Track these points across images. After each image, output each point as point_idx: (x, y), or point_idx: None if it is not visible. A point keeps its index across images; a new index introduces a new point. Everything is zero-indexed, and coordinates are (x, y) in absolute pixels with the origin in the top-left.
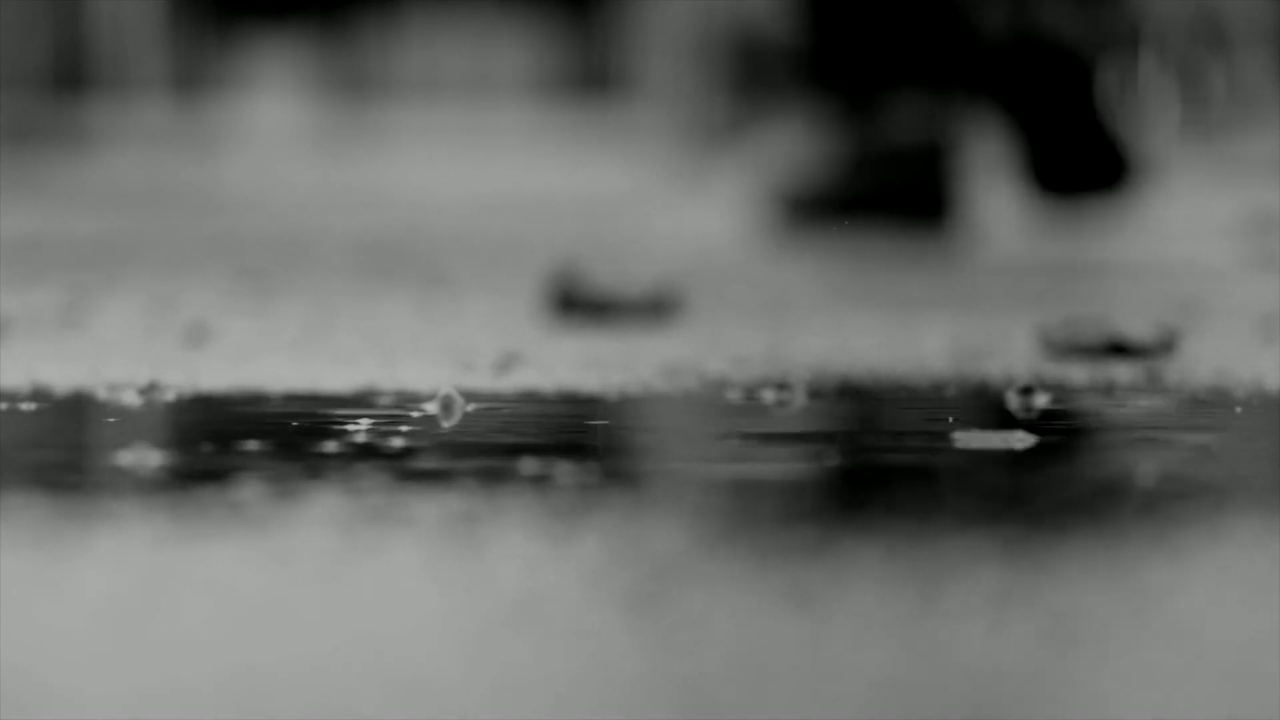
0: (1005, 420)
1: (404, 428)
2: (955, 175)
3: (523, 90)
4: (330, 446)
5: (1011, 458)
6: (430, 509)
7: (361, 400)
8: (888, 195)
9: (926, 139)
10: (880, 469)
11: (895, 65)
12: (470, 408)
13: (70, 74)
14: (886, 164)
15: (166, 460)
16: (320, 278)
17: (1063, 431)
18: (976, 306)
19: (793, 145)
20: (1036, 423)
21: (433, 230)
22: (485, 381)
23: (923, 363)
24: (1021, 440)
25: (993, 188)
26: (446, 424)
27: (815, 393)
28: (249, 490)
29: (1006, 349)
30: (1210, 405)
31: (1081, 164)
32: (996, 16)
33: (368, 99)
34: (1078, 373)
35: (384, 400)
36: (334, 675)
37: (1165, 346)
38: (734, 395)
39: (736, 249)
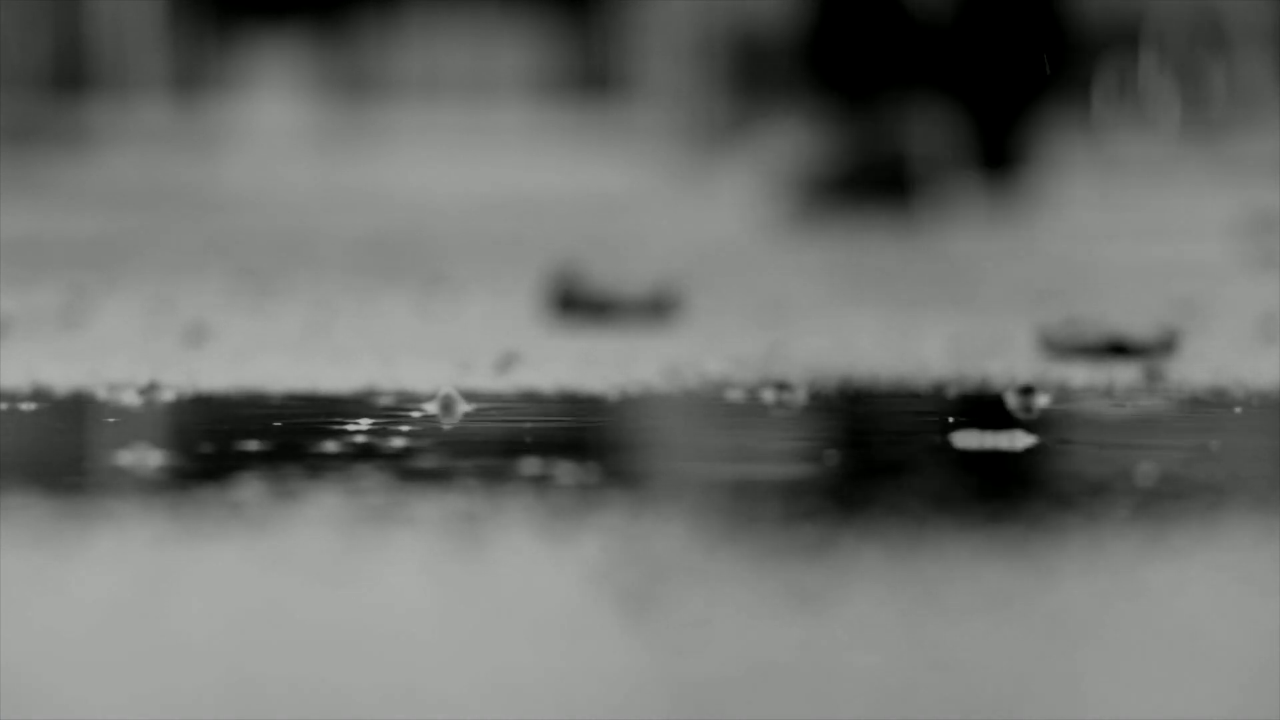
0: (1005, 420)
1: (404, 428)
2: (934, 166)
3: (523, 90)
4: (330, 446)
5: (1011, 458)
6: (430, 509)
7: (361, 400)
8: (879, 184)
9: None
10: (880, 469)
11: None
12: (470, 408)
13: (70, 74)
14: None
15: (166, 460)
16: (320, 278)
17: (1063, 431)
18: (976, 306)
19: (794, 140)
20: (1036, 423)
21: (433, 230)
22: (485, 381)
23: (923, 363)
24: (1021, 440)
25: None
26: (446, 424)
27: (815, 393)
28: (249, 490)
29: (1006, 349)
30: (1210, 405)
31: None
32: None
33: (368, 99)
34: (1078, 373)
35: (384, 400)
36: (334, 675)
37: (1165, 346)
38: (734, 395)
39: (744, 242)
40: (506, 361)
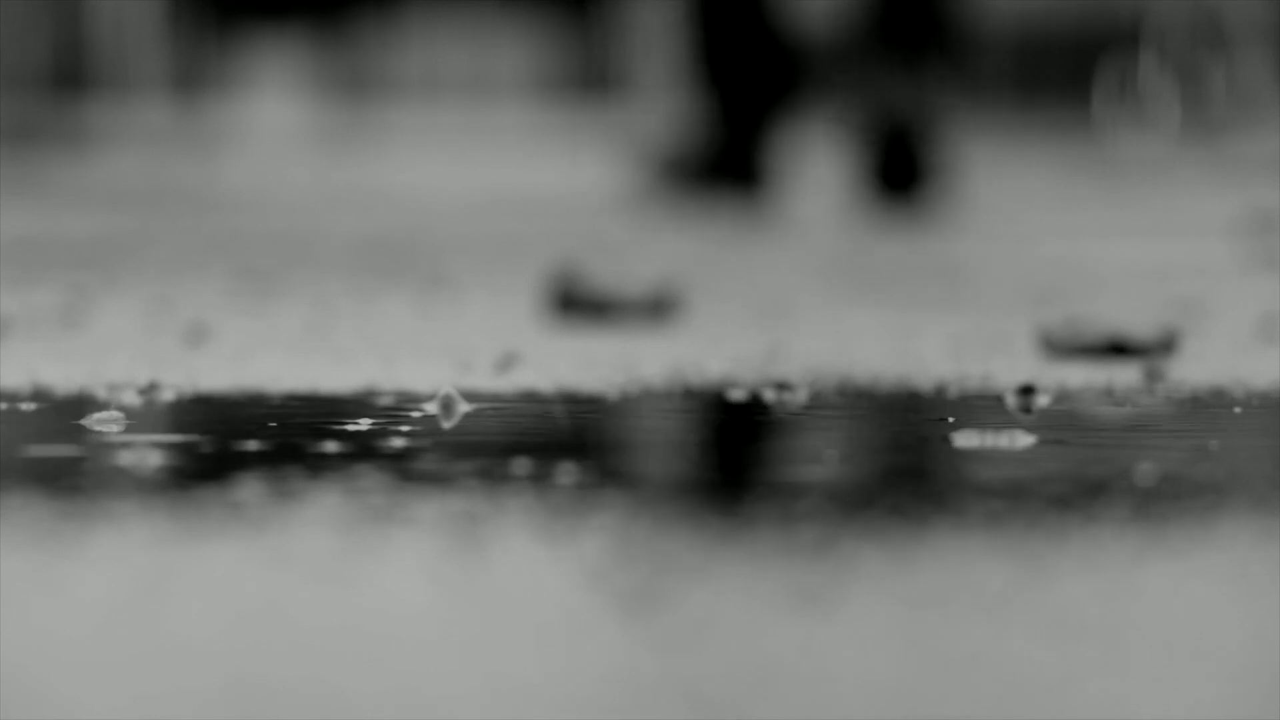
0: (1005, 420)
1: (404, 428)
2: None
3: (522, 91)
4: (330, 446)
5: (1011, 458)
6: (430, 509)
7: (361, 400)
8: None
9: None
10: (880, 469)
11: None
12: (470, 408)
13: (70, 74)
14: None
15: (166, 460)
16: (320, 278)
17: (1063, 431)
18: (976, 306)
19: (663, 120)
20: (1036, 423)
21: (433, 230)
22: (485, 381)
23: (923, 363)
24: (1021, 440)
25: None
26: (446, 424)
27: (816, 393)
28: (249, 490)
29: (1006, 349)
30: (1210, 405)
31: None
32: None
33: (368, 99)
34: (1078, 373)
35: (384, 400)
36: (334, 675)
37: (1165, 346)
38: (734, 395)
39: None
40: (506, 361)
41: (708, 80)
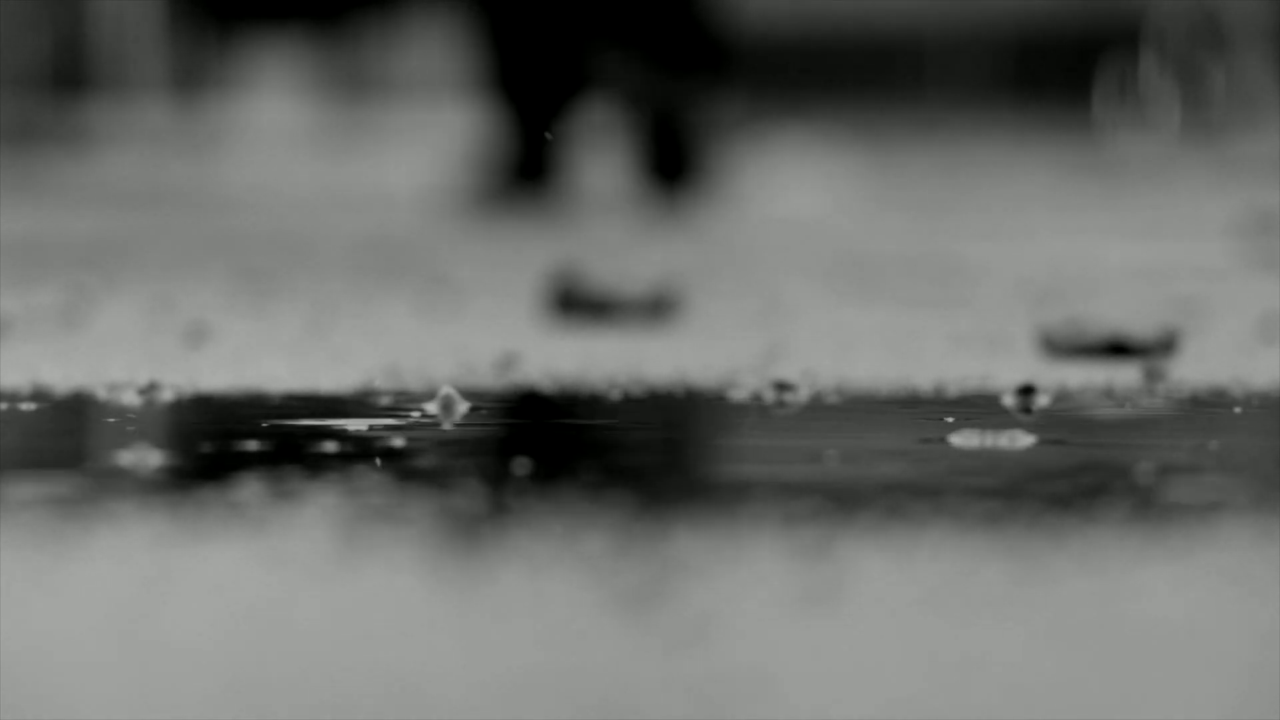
0: (1005, 420)
1: (404, 427)
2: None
3: None
4: (330, 446)
5: (1011, 458)
6: (430, 509)
7: (361, 400)
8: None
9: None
10: (880, 469)
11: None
12: (470, 407)
13: (70, 74)
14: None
15: (166, 460)
16: (320, 278)
17: (1063, 431)
18: (976, 306)
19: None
20: (1036, 423)
21: (433, 230)
22: (485, 381)
23: (923, 363)
24: (1021, 440)
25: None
26: (446, 424)
27: (816, 393)
28: (249, 490)
29: (1006, 349)
30: (1210, 405)
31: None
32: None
33: (368, 99)
34: (1078, 373)
35: (384, 400)
36: (334, 675)
37: (1165, 346)
38: (736, 395)
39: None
40: (506, 362)
41: (501, 84)
